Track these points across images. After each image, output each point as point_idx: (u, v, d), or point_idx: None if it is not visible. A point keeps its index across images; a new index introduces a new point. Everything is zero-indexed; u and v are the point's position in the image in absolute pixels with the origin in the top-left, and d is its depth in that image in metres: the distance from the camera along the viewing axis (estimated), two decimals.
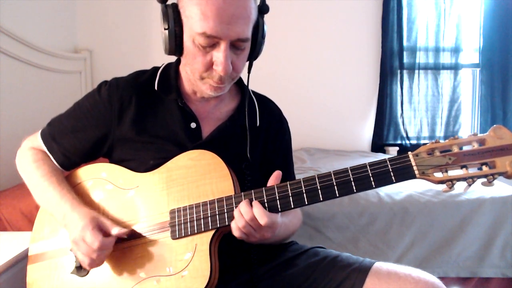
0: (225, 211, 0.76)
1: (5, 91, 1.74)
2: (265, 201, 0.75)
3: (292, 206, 0.74)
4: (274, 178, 0.76)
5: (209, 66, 0.78)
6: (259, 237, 0.75)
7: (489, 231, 1.85)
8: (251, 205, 0.73)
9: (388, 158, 0.71)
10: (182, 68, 0.90)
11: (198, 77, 0.81)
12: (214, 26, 0.73)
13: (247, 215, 0.72)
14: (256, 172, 0.91)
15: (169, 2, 0.82)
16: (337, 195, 0.73)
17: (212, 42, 0.75)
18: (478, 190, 1.88)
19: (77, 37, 2.67)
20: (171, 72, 0.92)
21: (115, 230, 0.78)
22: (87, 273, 0.83)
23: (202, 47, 0.76)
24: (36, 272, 0.88)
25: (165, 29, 0.78)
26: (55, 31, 2.39)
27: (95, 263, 0.77)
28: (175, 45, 0.79)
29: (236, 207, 0.75)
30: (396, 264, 0.84)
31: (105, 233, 0.78)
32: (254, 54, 0.86)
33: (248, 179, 0.86)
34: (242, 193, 0.77)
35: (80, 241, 0.76)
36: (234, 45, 0.78)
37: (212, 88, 0.82)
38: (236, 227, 0.74)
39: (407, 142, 2.98)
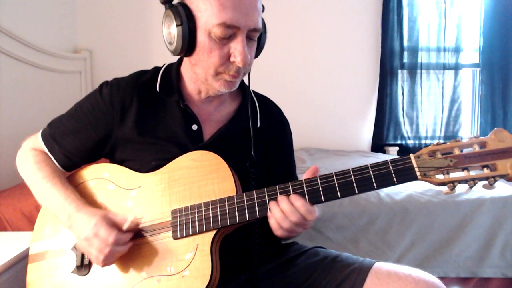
0: (227, 211, 0.76)
1: (5, 91, 1.74)
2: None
3: None
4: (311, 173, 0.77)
5: (226, 59, 0.79)
6: (301, 230, 0.77)
7: (489, 231, 1.85)
8: (290, 202, 0.73)
9: (390, 159, 0.72)
10: (187, 69, 0.89)
11: (212, 73, 0.81)
12: (234, 16, 0.75)
13: (296, 211, 0.72)
14: (259, 171, 0.91)
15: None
16: (339, 196, 0.73)
17: (230, 33, 0.77)
18: (478, 191, 1.88)
19: (77, 37, 2.66)
20: (173, 74, 0.91)
21: (126, 225, 0.78)
22: (88, 273, 0.83)
23: (219, 40, 0.77)
24: (36, 271, 0.88)
25: (178, 25, 0.77)
26: (55, 31, 2.39)
27: (108, 259, 0.77)
28: (189, 41, 0.78)
29: (240, 207, 0.75)
30: (396, 264, 0.84)
31: (118, 229, 0.78)
32: (257, 51, 0.87)
33: (252, 177, 0.86)
34: (244, 194, 0.77)
35: (93, 238, 0.76)
36: (248, 36, 0.79)
37: (225, 84, 0.82)
38: (279, 227, 0.74)
39: (407, 142, 2.98)
